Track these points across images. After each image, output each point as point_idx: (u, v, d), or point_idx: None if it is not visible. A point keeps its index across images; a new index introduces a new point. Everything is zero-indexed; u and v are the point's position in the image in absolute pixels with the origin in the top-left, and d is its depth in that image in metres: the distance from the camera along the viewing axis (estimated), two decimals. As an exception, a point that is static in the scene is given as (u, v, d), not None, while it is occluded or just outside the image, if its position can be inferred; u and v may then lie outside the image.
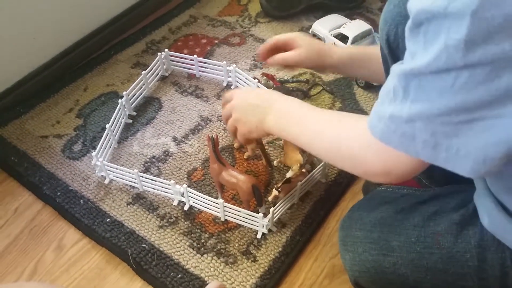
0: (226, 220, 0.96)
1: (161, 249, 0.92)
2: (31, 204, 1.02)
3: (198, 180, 1.03)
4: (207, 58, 1.28)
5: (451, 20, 0.43)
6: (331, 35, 1.28)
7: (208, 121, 1.15)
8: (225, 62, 1.21)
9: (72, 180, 1.04)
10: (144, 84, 1.19)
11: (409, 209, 0.72)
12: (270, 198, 0.92)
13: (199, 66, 1.25)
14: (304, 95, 1.20)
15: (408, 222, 0.70)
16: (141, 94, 1.19)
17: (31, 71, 1.23)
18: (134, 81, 1.17)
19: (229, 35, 1.41)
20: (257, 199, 0.91)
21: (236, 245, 0.93)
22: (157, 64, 1.23)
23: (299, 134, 0.73)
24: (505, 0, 0.40)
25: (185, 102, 1.20)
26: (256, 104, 0.81)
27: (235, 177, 0.91)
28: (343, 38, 1.26)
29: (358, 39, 1.25)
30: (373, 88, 1.21)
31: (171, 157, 1.08)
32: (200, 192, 0.95)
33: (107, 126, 1.04)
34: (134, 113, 1.17)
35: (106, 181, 1.03)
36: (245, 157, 1.07)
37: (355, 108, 1.18)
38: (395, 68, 0.51)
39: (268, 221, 0.92)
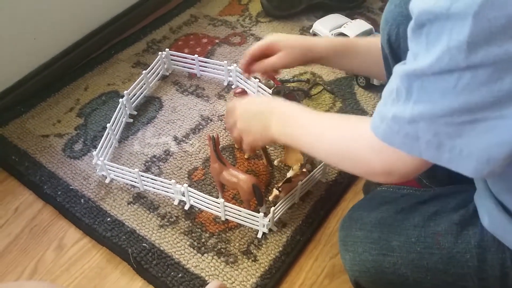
0: (226, 219, 0.96)
1: (161, 248, 0.92)
2: (32, 203, 1.02)
3: (198, 179, 1.04)
4: (208, 58, 1.29)
5: (454, 21, 0.43)
6: (332, 34, 1.28)
7: (208, 121, 1.16)
8: (226, 62, 1.21)
9: (73, 180, 1.04)
10: (145, 84, 1.19)
11: (410, 209, 0.72)
12: (270, 198, 0.92)
13: (200, 66, 1.25)
14: (305, 95, 1.20)
15: (408, 222, 0.70)
16: (141, 93, 1.20)
17: (32, 70, 1.23)
18: (134, 80, 1.17)
19: (230, 34, 1.41)
20: (257, 199, 0.91)
21: (237, 244, 0.93)
22: (157, 64, 1.23)
23: (301, 137, 0.73)
24: (508, 1, 0.40)
25: (186, 102, 1.20)
26: (259, 113, 0.82)
27: (236, 176, 0.91)
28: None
29: (358, 39, 1.25)
30: (373, 87, 1.21)
31: (171, 157, 1.08)
32: (200, 192, 0.95)
33: (108, 125, 1.05)
34: (135, 113, 1.17)
35: (107, 181, 1.03)
36: (245, 156, 1.07)
37: (356, 107, 1.18)
38: (398, 69, 0.51)
39: (269, 221, 0.92)
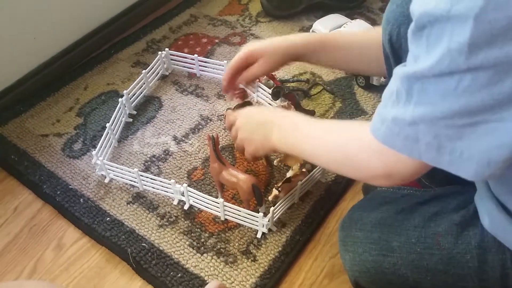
0: (226, 219, 0.96)
1: (161, 248, 0.92)
2: (31, 203, 1.02)
3: (198, 179, 1.03)
4: (207, 58, 1.28)
5: (454, 23, 0.43)
6: (332, 34, 1.28)
7: (208, 121, 1.15)
8: (225, 62, 1.21)
9: (72, 179, 1.04)
10: (144, 83, 1.19)
11: (410, 210, 0.72)
12: (270, 198, 0.92)
13: (199, 65, 1.25)
14: (305, 95, 1.20)
15: (409, 223, 0.70)
16: (141, 93, 1.19)
17: (31, 70, 1.23)
18: (134, 80, 1.17)
19: (229, 34, 1.41)
20: (257, 199, 0.91)
21: (236, 244, 0.93)
22: (157, 63, 1.23)
23: (302, 145, 0.74)
24: (509, 3, 0.40)
25: (186, 101, 1.20)
26: (259, 123, 0.83)
27: (235, 176, 0.91)
28: (343, 38, 1.26)
29: (358, 39, 1.24)
30: (373, 88, 1.20)
31: (171, 156, 1.08)
32: (200, 192, 0.95)
33: (107, 125, 1.04)
34: (135, 112, 1.17)
35: (106, 180, 1.03)
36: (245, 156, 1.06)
37: (355, 108, 1.18)
38: (398, 71, 0.51)
39: (268, 221, 0.92)
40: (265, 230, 0.93)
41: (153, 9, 1.50)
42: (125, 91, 1.12)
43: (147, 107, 1.19)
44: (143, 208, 0.99)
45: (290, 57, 0.89)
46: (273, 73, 1.21)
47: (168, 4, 1.53)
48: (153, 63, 1.21)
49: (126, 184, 1.02)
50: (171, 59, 1.26)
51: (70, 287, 0.89)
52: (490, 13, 0.41)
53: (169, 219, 0.97)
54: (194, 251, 0.92)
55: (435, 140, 0.49)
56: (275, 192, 0.91)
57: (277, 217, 0.95)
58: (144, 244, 0.93)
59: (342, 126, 0.70)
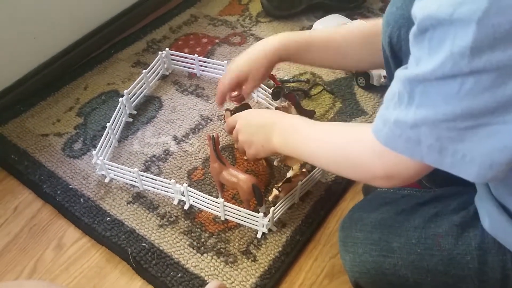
0: (226, 219, 0.96)
1: (161, 248, 0.92)
2: (31, 203, 1.02)
3: (198, 179, 1.03)
4: (208, 58, 1.28)
5: (457, 27, 0.43)
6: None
7: (208, 121, 1.15)
8: (225, 62, 1.21)
9: (72, 179, 1.04)
10: (144, 83, 1.19)
11: (410, 210, 0.73)
12: (270, 198, 0.92)
13: (199, 65, 1.25)
14: (305, 95, 1.20)
15: (409, 224, 0.70)
16: (141, 93, 1.19)
17: (31, 69, 1.23)
18: (134, 80, 1.17)
19: (230, 34, 1.41)
20: (257, 199, 0.91)
21: (236, 244, 0.93)
22: (157, 63, 1.23)
23: (302, 147, 0.74)
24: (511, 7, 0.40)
25: (186, 101, 1.20)
26: (259, 125, 0.83)
27: (236, 176, 0.91)
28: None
29: (358, 40, 1.24)
30: (373, 88, 1.21)
31: (171, 156, 1.08)
32: (200, 191, 0.95)
33: (108, 124, 1.04)
34: (135, 112, 1.17)
35: (106, 180, 1.03)
36: (245, 157, 1.06)
37: (356, 108, 1.18)
38: (399, 73, 0.51)
39: (268, 221, 0.92)
40: (265, 230, 0.94)
41: (153, 9, 1.50)
42: (125, 91, 1.12)
43: (147, 107, 1.19)
44: (143, 208, 0.99)
45: (275, 62, 0.91)
46: (273, 74, 1.21)
47: (168, 4, 1.53)
48: (153, 63, 1.22)
49: (126, 184, 1.02)
50: (171, 59, 1.26)
51: (70, 287, 0.89)
52: (493, 17, 0.41)
53: (169, 219, 0.97)
54: (194, 251, 0.92)
55: (437, 142, 0.49)
56: (275, 192, 0.91)
57: (277, 217, 0.95)
58: (144, 244, 0.93)
59: (342, 128, 0.70)
